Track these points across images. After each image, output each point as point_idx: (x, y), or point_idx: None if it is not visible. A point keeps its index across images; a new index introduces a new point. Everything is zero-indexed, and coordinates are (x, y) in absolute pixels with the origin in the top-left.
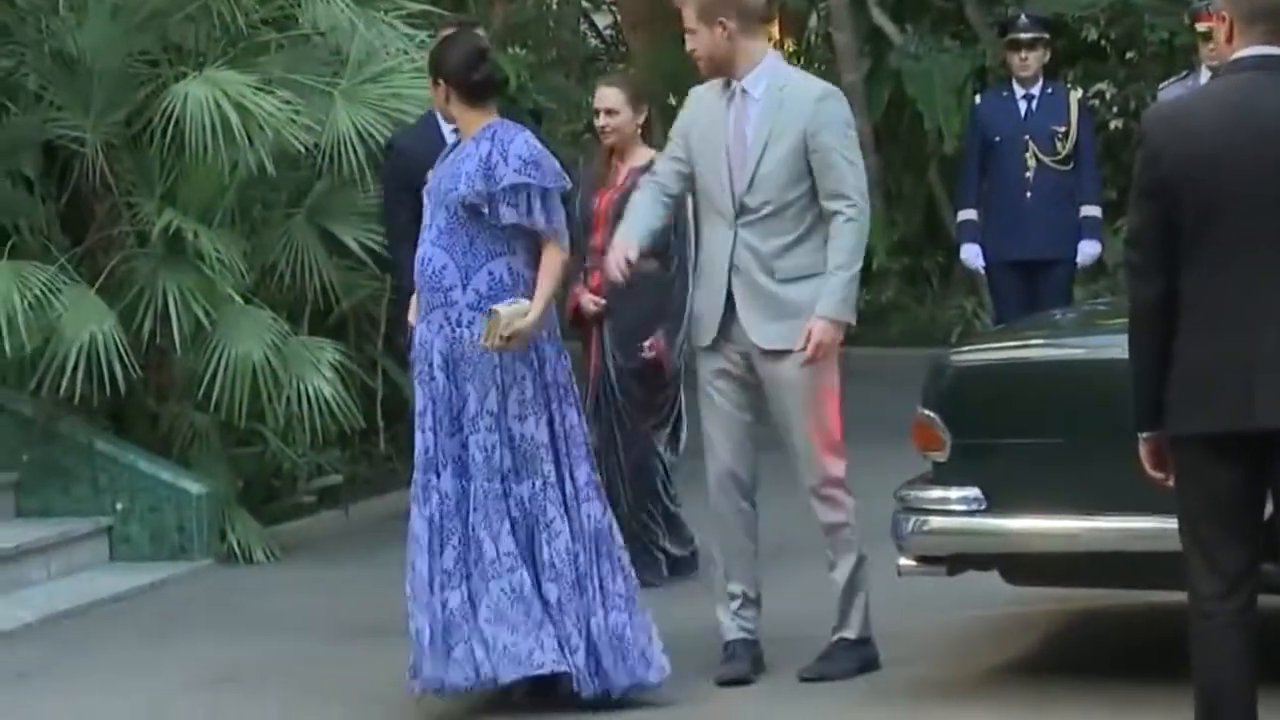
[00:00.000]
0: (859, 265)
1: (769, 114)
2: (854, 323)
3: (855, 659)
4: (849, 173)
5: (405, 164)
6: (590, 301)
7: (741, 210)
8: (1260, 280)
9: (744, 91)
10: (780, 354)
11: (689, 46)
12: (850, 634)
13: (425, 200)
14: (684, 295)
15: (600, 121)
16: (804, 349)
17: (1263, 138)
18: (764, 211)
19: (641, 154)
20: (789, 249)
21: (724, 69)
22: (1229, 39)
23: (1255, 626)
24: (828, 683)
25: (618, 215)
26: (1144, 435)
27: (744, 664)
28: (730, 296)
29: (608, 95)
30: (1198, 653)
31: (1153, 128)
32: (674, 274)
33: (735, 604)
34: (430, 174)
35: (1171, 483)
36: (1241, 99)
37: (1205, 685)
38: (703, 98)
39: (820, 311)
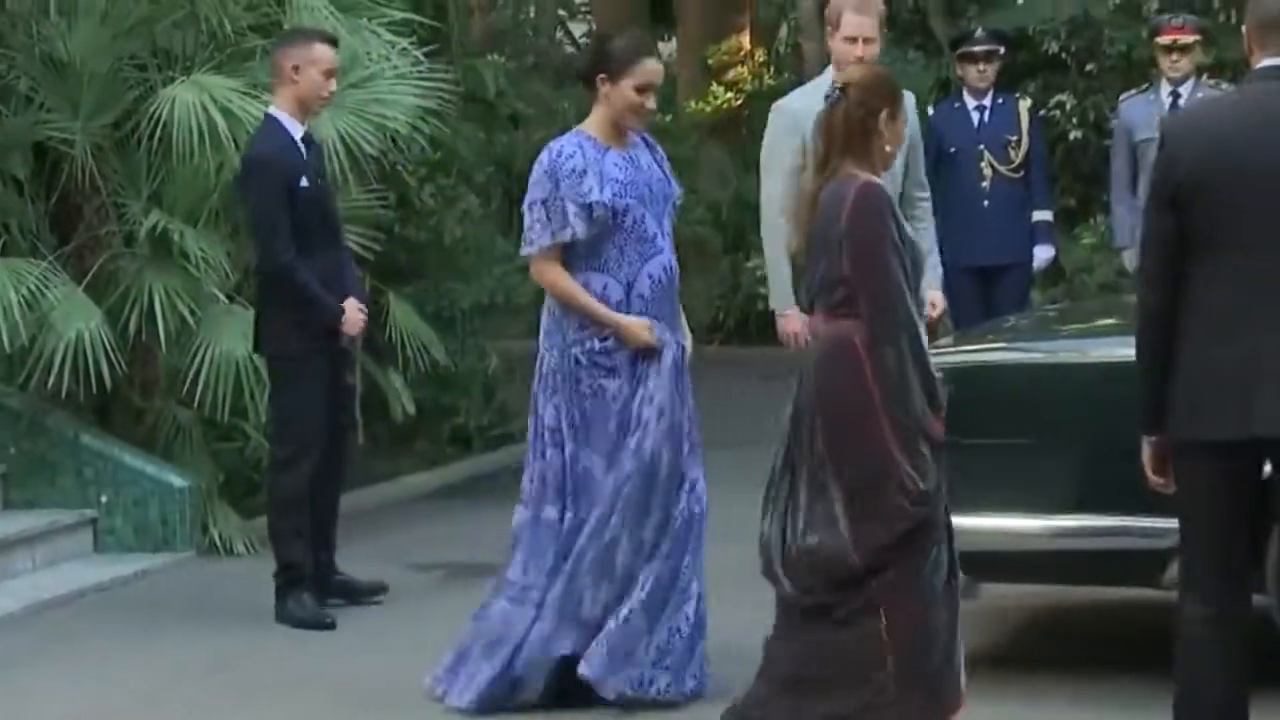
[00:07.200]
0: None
1: None
2: None
3: None
4: None
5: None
6: None
7: None
8: (1267, 288)
9: None
10: None
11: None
12: None
13: (633, 205)
14: None
15: None
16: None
17: (1276, 147)
18: None
19: None
20: None
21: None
22: (1249, 50)
23: (1245, 632)
24: None
25: None
26: (1148, 439)
27: None
28: None
29: None
30: (1184, 656)
31: (1171, 131)
32: None
33: None
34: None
35: (1171, 487)
36: (1257, 108)
37: (1186, 685)
38: None
39: None
